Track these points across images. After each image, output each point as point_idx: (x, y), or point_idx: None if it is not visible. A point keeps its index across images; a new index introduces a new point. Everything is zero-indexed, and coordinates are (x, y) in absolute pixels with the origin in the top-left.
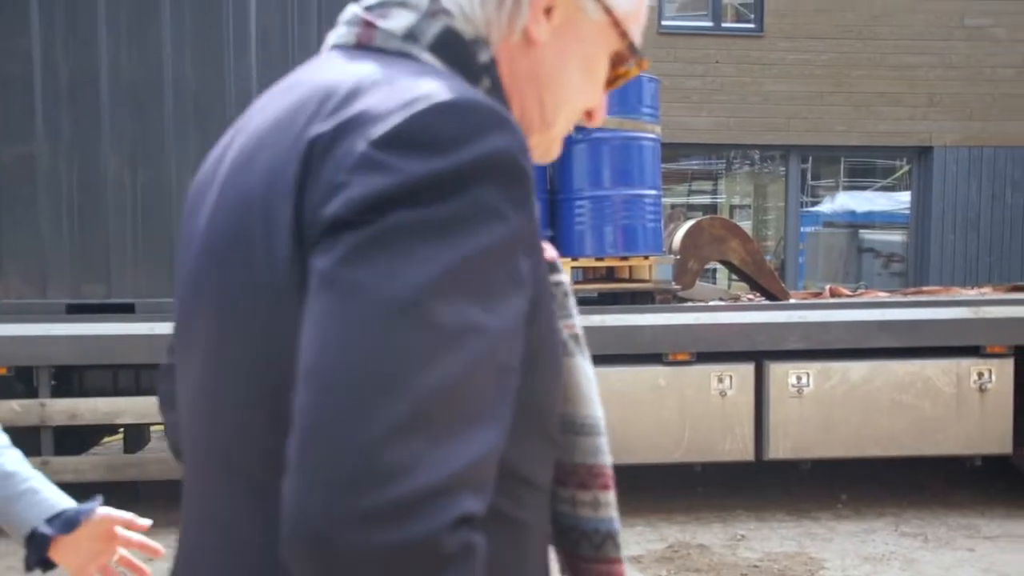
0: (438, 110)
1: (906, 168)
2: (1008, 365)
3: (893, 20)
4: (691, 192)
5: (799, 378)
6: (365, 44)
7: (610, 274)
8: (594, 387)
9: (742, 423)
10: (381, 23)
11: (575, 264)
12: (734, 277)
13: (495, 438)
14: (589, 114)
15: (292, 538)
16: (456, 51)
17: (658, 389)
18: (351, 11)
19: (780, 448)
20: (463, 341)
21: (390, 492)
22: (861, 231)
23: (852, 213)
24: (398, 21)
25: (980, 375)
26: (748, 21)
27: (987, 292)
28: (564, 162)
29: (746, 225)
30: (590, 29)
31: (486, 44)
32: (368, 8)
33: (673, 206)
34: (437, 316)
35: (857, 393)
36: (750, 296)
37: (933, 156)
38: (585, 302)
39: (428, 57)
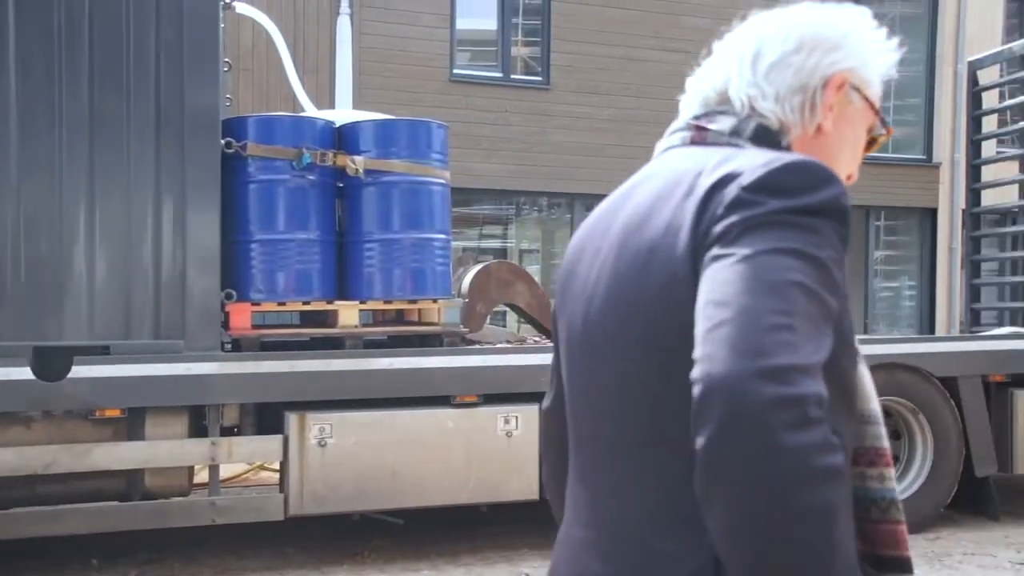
0: (789, 167)
1: None
2: None
3: (666, 82)
4: (482, 236)
5: None
6: (698, 142)
7: (399, 317)
8: (872, 387)
9: (528, 463)
10: (711, 126)
11: (363, 307)
12: (522, 320)
13: (821, 357)
14: (848, 177)
15: (707, 391)
16: (768, 139)
17: (446, 431)
18: (680, 122)
19: None
20: (801, 290)
21: (775, 361)
22: None
23: None
24: (724, 123)
25: None
26: (536, 74)
27: None
28: (353, 205)
29: (535, 269)
30: (855, 114)
31: (787, 132)
32: (696, 117)
33: (465, 250)
34: (788, 270)
35: None
36: (536, 338)
37: None
38: (374, 345)
39: (749, 145)
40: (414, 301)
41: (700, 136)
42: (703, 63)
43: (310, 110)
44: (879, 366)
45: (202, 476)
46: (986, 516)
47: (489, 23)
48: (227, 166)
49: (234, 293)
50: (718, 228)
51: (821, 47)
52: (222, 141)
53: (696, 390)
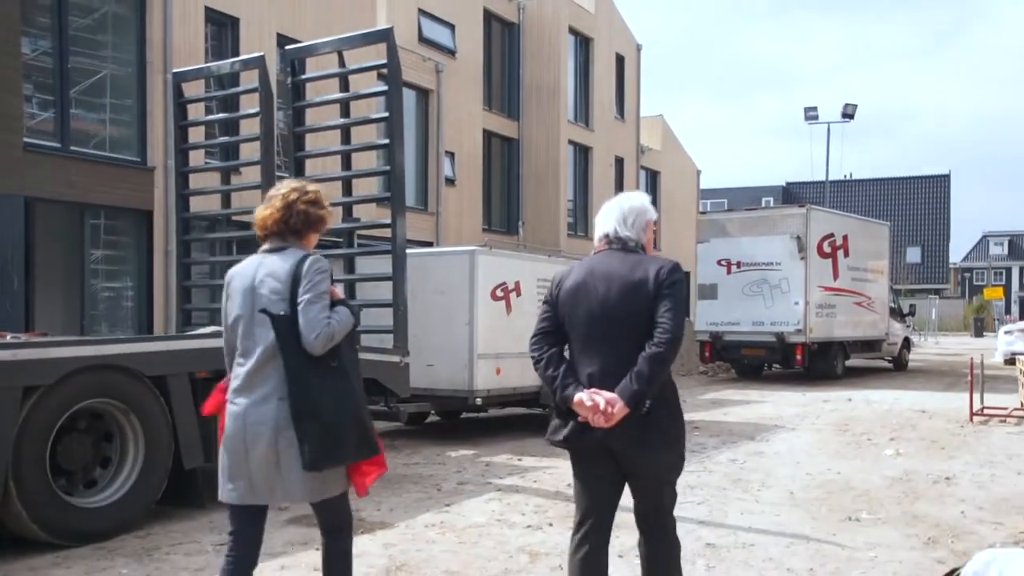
0: (674, 263)
1: None
2: None
3: None
4: None
5: None
6: (624, 248)
7: None
8: None
9: None
10: (629, 244)
11: None
12: None
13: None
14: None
15: (672, 334)
16: (643, 247)
17: None
18: (621, 237)
19: None
20: (683, 309)
21: (682, 330)
22: None
23: None
24: (633, 244)
25: None
26: None
27: None
28: None
29: None
30: (650, 227)
31: (644, 244)
32: (619, 238)
33: None
34: (683, 304)
35: None
36: None
37: None
38: None
39: (640, 250)
40: None
41: (625, 246)
42: (601, 214)
43: None
44: (89, 368)
45: None
46: (193, 506)
47: None
48: None
49: None
50: (664, 283)
51: (640, 214)
52: None
53: (664, 330)
